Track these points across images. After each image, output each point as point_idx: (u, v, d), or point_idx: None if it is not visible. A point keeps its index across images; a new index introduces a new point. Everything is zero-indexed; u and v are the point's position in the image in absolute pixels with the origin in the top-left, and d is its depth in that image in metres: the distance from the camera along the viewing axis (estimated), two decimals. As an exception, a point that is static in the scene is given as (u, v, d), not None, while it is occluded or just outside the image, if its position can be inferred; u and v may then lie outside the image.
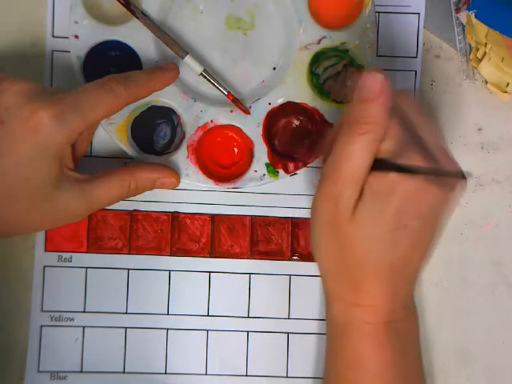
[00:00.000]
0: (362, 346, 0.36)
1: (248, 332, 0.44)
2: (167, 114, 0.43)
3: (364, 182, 0.33)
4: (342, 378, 0.37)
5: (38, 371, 0.43)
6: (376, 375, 0.36)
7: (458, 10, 0.44)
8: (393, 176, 0.33)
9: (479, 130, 0.45)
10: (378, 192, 0.33)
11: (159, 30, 0.42)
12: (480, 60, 0.43)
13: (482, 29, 0.42)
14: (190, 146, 0.43)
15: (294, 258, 0.44)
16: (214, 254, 0.44)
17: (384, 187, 0.33)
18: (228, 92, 0.42)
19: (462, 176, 0.34)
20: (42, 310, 0.43)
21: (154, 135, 0.43)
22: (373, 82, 0.33)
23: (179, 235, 0.44)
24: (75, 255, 0.44)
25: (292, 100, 0.43)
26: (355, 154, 0.33)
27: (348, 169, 0.33)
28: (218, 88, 0.42)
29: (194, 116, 0.43)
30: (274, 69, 0.44)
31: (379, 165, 0.34)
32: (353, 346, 0.36)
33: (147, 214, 0.44)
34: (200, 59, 0.43)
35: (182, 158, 0.43)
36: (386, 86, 0.33)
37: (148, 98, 0.40)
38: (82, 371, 0.43)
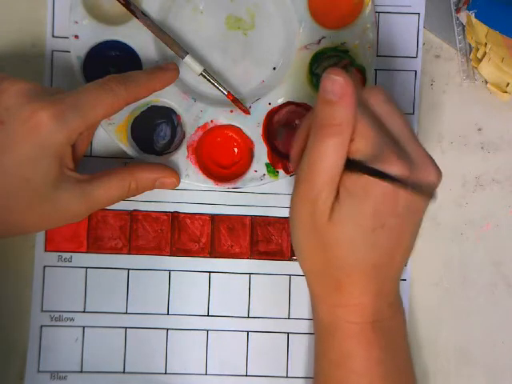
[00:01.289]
0: (348, 346, 0.36)
1: (248, 332, 0.44)
2: (167, 114, 0.43)
3: (338, 182, 0.33)
4: (331, 378, 0.37)
5: (38, 371, 0.43)
6: (363, 374, 0.36)
7: (458, 10, 0.44)
8: (366, 179, 0.33)
9: (479, 130, 0.45)
10: (353, 193, 0.33)
11: (159, 30, 0.42)
12: (480, 60, 0.43)
13: (482, 29, 0.42)
14: (189, 146, 0.43)
15: (294, 257, 0.44)
16: (213, 253, 0.44)
17: (358, 188, 0.33)
18: (228, 92, 0.42)
19: (429, 194, 0.33)
20: (42, 310, 0.43)
21: (154, 135, 0.43)
22: (332, 85, 0.33)
23: (179, 235, 0.44)
24: (75, 255, 0.44)
25: (292, 100, 0.43)
26: (327, 155, 0.33)
27: (321, 170, 0.33)
28: (218, 88, 0.42)
29: (194, 116, 0.43)
30: (274, 69, 0.44)
31: (353, 164, 0.33)
32: (339, 346, 0.36)
33: (147, 213, 0.44)
34: (200, 59, 0.43)
35: (182, 158, 0.43)
36: (347, 86, 0.32)
37: (148, 98, 0.40)
38: (81, 371, 0.43)
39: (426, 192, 0.33)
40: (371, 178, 0.32)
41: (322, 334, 0.38)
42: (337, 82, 0.33)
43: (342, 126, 0.33)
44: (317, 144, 0.33)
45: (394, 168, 0.32)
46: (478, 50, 0.44)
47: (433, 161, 0.34)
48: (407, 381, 0.38)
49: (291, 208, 0.36)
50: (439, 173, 0.34)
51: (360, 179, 0.33)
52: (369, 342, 0.36)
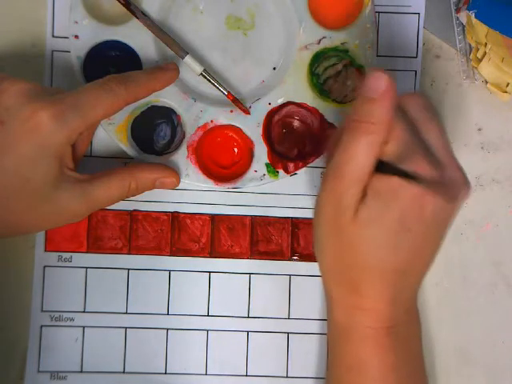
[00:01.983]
0: (363, 350, 0.36)
1: (248, 332, 0.44)
2: (167, 114, 0.43)
3: (367, 182, 0.33)
4: (344, 382, 0.37)
5: (38, 371, 0.43)
6: (378, 379, 0.36)
7: (458, 10, 0.44)
8: (396, 180, 0.33)
9: (479, 130, 0.45)
10: (381, 194, 0.33)
11: (159, 30, 0.42)
12: (480, 60, 0.43)
13: (482, 29, 0.42)
14: (190, 146, 0.43)
15: (294, 257, 0.44)
16: (213, 254, 0.44)
17: (387, 190, 0.33)
18: (228, 92, 0.42)
19: (456, 200, 0.34)
20: (42, 310, 0.43)
21: (154, 135, 0.43)
22: (377, 82, 0.33)
23: (179, 235, 0.44)
24: (75, 255, 0.44)
25: (292, 100, 0.43)
26: (358, 154, 0.33)
27: (351, 168, 0.33)
28: (218, 88, 0.42)
29: (194, 116, 0.43)
30: (274, 69, 0.44)
31: (383, 167, 0.33)
32: (354, 350, 0.36)
33: (147, 213, 0.44)
34: (200, 59, 0.43)
35: (181, 158, 0.43)
36: (391, 86, 0.33)
37: (148, 98, 0.40)
38: (82, 371, 0.43)
39: (454, 198, 0.33)
40: (401, 182, 0.32)
41: (336, 336, 0.37)
42: (381, 80, 0.32)
43: (378, 126, 0.33)
44: (350, 141, 0.33)
45: (422, 171, 0.33)
46: (478, 50, 0.44)
47: (464, 173, 0.34)
48: None
49: (316, 204, 0.35)
50: (468, 185, 0.34)
51: (390, 182, 0.33)
52: (384, 347, 0.35)
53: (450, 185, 0.33)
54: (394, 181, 0.33)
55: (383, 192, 0.33)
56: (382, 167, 0.34)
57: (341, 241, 0.34)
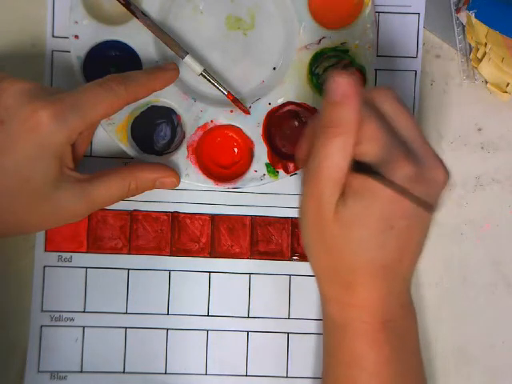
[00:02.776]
0: (359, 346, 0.36)
1: (248, 332, 0.44)
2: (167, 114, 0.43)
3: (344, 183, 0.33)
4: (341, 377, 0.37)
5: (38, 371, 0.43)
6: (374, 373, 0.36)
7: (457, 10, 0.44)
8: (372, 182, 0.33)
9: (479, 130, 0.45)
10: (360, 194, 0.33)
11: (159, 30, 0.42)
12: (480, 60, 0.43)
13: (481, 29, 0.42)
14: (190, 146, 0.43)
15: (294, 257, 0.44)
16: (213, 254, 0.44)
17: (365, 190, 0.33)
18: (228, 92, 0.42)
19: (428, 208, 0.33)
20: (42, 310, 0.43)
21: (154, 135, 0.43)
22: (338, 85, 0.33)
23: (179, 235, 0.44)
24: (75, 255, 0.44)
25: (292, 100, 0.43)
26: (332, 155, 0.33)
27: (326, 169, 0.33)
28: (218, 88, 0.42)
29: (194, 116, 0.43)
30: (274, 69, 0.44)
31: (360, 167, 0.33)
32: (350, 346, 0.36)
33: (147, 213, 0.44)
34: (200, 59, 0.43)
35: (181, 158, 0.43)
36: (350, 87, 0.32)
37: (148, 97, 0.40)
38: (82, 371, 0.43)
39: (428, 205, 0.33)
40: (376, 184, 0.32)
41: (331, 332, 0.38)
42: (339, 83, 0.32)
43: (346, 127, 0.33)
44: (322, 144, 0.33)
45: (402, 169, 0.33)
46: (478, 50, 0.44)
47: (441, 161, 0.34)
48: (417, 381, 0.38)
49: (300, 208, 0.36)
50: (447, 173, 0.34)
51: (367, 182, 0.33)
52: (380, 342, 0.35)
53: (429, 177, 0.33)
54: (371, 182, 0.33)
55: (361, 192, 0.33)
56: (360, 165, 0.33)
57: (326, 242, 0.35)
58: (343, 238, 0.34)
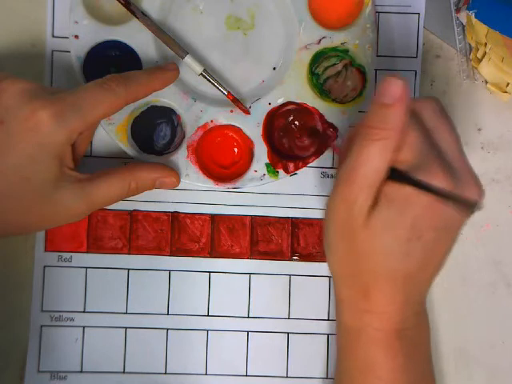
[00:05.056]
0: (373, 352, 0.36)
1: (248, 332, 0.44)
2: (167, 114, 0.43)
3: (379, 188, 0.33)
4: (355, 383, 0.37)
5: (38, 371, 0.43)
6: (387, 381, 0.36)
7: (457, 10, 0.44)
8: (408, 189, 0.33)
9: (479, 130, 0.45)
10: (393, 202, 0.33)
11: (159, 29, 0.42)
12: (480, 60, 0.43)
13: (481, 29, 0.42)
14: (190, 146, 0.43)
15: (294, 257, 0.44)
16: (213, 254, 0.44)
17: (400, 198, 0.33)
18: (228, 92, 0.42)
19: (472, 207, 0.34)
20: (42, 310, 0.43)
21: (154, 135, 0.43)
22: (392, 88, 0.33)
23: (179, 235, 0.44)
24: (75, 255, 0.44)
25: (292, 100, 0.43)
26: (371, 159, 0.33)
27: (363, 173, 0.33)
28: (218, 88, 0.42)
29: (194, 116, 0.43)
30: (274, 69, 0.44)
31: (397, 174, 0.33)
32: (364, 352, 0.36)
33: (147, 213, 0.44)
34: (200, 59, 0.43)
35: (181, 158, 0.43)
36: (405, 92, 0.33)
37: (148, 97, 0.40)
38: (82, 371, 0.43)
39: (468, 206, 0.33)
40: (414, 190, 0.33)
41: (345, 338, 0.37)
42: (395, 86, 0.32)
43: (392, 131, 0.33)
44: (363, 146, 0.33)
45: (438, 180, 0.32)
46: (478, 50, 0.44)
47: (477, 178, 0.34)
48: None
49: (328, 208, 0.35)
50: (482, 191, 0.34)
51: (402, 189, 0.33)
52: (394, 350, 0.35)
53: (463, 191, 0.33)
54: (406, 190, 0.33)
55: (396, 200, 0.33)
56: (395, 173, 0.34)
57: (352, 246, 0.34)
58: (370, 244, 0.34)
